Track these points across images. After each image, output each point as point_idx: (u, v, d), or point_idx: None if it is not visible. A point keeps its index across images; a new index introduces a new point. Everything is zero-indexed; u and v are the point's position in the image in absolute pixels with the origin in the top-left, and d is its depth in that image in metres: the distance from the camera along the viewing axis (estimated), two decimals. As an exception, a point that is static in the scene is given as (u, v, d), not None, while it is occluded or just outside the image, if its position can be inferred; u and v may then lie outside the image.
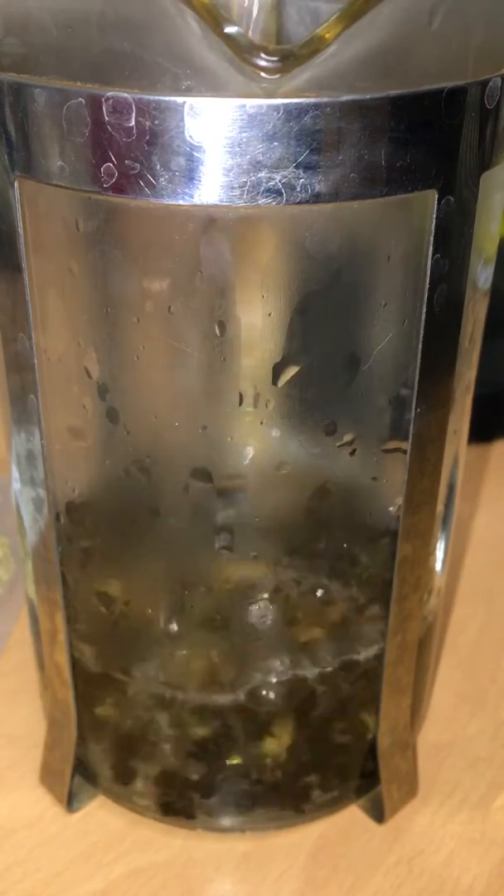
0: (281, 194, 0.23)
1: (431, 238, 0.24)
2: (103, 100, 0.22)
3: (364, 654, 0.32)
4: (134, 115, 0.22)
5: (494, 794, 0.36)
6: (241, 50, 0.24)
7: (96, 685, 0.33)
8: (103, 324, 0.29)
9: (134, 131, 0.22)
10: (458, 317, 0.26)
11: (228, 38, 0.24)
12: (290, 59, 0.24)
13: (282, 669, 0.32)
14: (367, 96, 0.22)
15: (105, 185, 0.23)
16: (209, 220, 0.26)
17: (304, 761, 0.33)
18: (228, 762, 0.33)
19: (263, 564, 0.32)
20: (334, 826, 0.35)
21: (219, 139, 0.22)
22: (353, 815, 0.35)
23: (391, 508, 0.30)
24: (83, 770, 0.35)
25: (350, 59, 0.26)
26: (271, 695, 0.32)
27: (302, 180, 0.22)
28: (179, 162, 0.22)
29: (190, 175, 0.22)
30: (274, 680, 0.32)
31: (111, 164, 0.22)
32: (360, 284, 0.29)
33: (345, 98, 0.22)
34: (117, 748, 0.34)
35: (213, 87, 0.27)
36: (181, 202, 0.23)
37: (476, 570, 0.48)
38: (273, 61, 0.24)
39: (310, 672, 0.32)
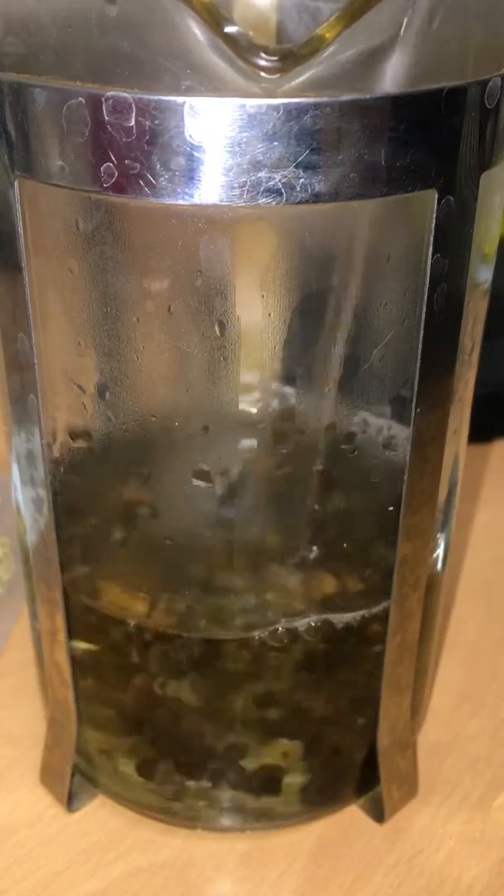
0: (281, 194, 0.23)
1: (431, 238, 0.24)
2: (103, 100, 0.22)
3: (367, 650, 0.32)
4: (134, 114, 0.22)
5: (494, 793, 0.36)
6: (241, 50, 0.24)
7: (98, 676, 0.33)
8: (103, 324, 0.29)
9: (134, 131, 0.22)
10: (457, 316, 0.26)
11: (228, 38, 0.24)
12: (290, 58, 0.24)
13: (283, 657, 0.32)
14: (367, 96, 0.22)
15: (105, 185, 0.23)
16: (209, 220, 0.26)
17: (305, 757, 0.34)
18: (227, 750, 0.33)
19: (263, 566, 0.32)
20: (334, 826, 0.35)
21: (219, 139, 0.22)
22: (353, 815, 0.35)
23: (390, 508, 0.30)
24: (83, 769, 0.35)
25: (350, 59, 0.26)
26: (275, 694, 0.32)
27: (302, 180, 0.22)
28: (179, 162, 0.22)
29: (190, 175, 0.22)
30: (279, 677, 0.32)
31: (111, 164, 0.22)
32: (360, 284, 0.29)
33: (345, 98, 0.22)
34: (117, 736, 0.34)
35: (213, 87, 0.27)
36: (181, 202, 0.23)
37: (476, 569, 0.48)
38: (273, 61, 0.24)
39: (309, 666, 0.32)
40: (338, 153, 0.22)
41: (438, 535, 0.33)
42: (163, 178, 0.22)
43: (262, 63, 0.24)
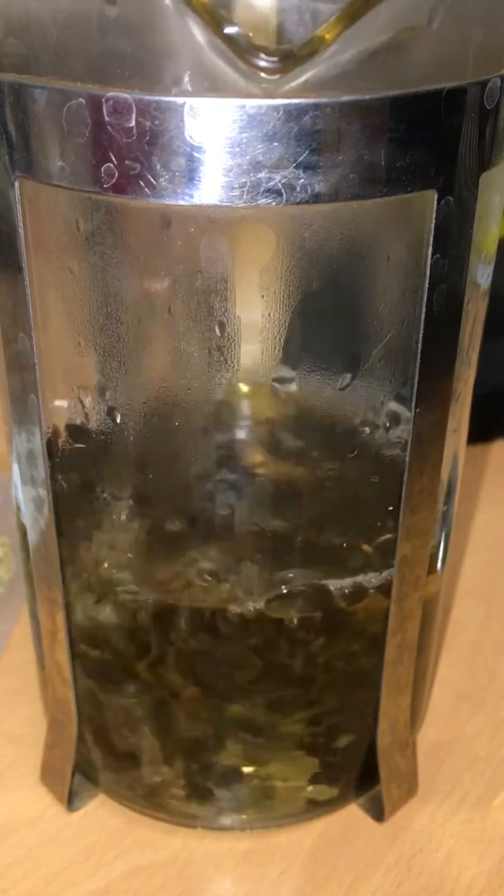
0: (281, 194, 0.23)
1: (431, 238, 0.24)
2: (103, 100, 0.22)
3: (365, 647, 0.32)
4: (134, 115, 0.22)
5: (494, 792, 0.36)
6: (241, 50, 0.24)
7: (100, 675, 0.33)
8: (104, 324, 0.29)
9: (134, 132, 0.22)
10: (457, 317, 0.27)
11: (228, 39, 0.24)
12: (290, 59, 0.24)
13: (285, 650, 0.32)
14: (367, 97, 0.22)
15: (105, 186, 0.23)
16: (209, 220, 0.26)
17: (306, 754, 0.34)
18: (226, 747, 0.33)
19: (264, 570, 0.32)
20: (334, 825, 0.35)
21: (219, 139, 0.22)
22: (352, 814, 0.35)
23: (390, 507, 0.30)
24: (84, 768, 0.35)
25: (350, 59, 0.26)
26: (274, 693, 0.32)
27: (302, 180, 0.22)
28: (179, 162, 0.22)
29: (190, 175, 0.22)
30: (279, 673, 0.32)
31: (111, 165, 0.23)
32: (360, 284, 0.29)
33: (344, 98, 0.22)
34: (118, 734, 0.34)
35: (213, 87, 0.27)
36: (181, 202, 0.23)
37: (475, 569, 0.48)
38: (273, 61, 0.24)
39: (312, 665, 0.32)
40: (337, 154, 0.22)
41: (438, 535, 0.33)
42: (163, 179, 0.22)
43: (262, 64, 0.24)
